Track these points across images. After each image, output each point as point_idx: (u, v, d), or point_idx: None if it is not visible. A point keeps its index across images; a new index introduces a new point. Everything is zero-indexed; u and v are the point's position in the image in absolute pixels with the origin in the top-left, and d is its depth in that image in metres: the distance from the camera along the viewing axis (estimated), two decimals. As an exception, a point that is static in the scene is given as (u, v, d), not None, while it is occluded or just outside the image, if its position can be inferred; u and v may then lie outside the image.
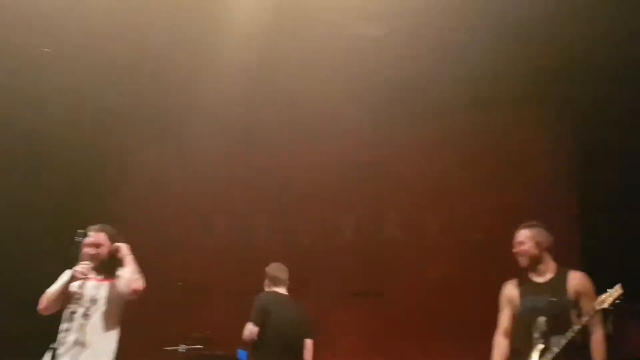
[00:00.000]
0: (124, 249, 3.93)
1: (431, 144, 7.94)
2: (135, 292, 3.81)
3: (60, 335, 3.69)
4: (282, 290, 5.41)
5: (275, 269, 5.48)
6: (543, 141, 7.67)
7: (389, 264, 7.84)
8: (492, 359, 4.13)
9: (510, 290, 4.17)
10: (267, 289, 5.46)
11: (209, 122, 7.90)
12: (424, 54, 6.51)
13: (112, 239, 3.98)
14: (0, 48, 6.38)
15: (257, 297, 5.22)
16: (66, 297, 3.79)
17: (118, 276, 3.89)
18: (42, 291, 3.87)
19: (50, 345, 3.64)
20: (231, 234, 8.71)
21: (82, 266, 3.74)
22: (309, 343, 5.40)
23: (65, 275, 3.84)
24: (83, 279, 3.72)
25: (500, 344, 4.10)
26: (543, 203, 7.00)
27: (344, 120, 7.80)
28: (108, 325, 3.79)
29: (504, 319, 4.14)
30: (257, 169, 8.50)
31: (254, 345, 5.13)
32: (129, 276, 3.80)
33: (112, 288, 3.87)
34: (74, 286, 3.79)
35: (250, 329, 5.02)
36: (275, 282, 5.42)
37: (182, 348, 6.42)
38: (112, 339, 3.82)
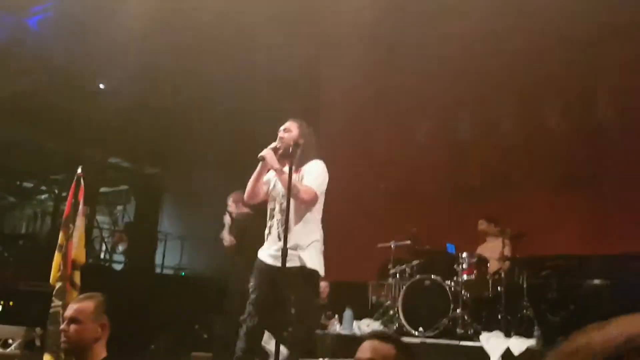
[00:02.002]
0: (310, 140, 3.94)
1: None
2: (302, 202, 3.84)
3: (265, 233, 3.95)
4: None
5: None
6: None
7: (604, 149, 7.25)
8: None
9: None
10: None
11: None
12: None
13: (303, 131, 3.97)
14: None
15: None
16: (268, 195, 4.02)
17: (302, 171, 3.93)
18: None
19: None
20: (432, 131, 8.67)
21: (265, 149, 3.84)
22: None
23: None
24: (262, 160, 3.83)
25: None
26: None
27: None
28: (304, 218, 3.87)
29: None
30: (451, 60, 8.19)
31: None
32: (301, 186, 3.84)
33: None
34: (271, 183, 3.96)
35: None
36: None
37: (392, 244, 6.77)
38: (310, 232, 3.89)
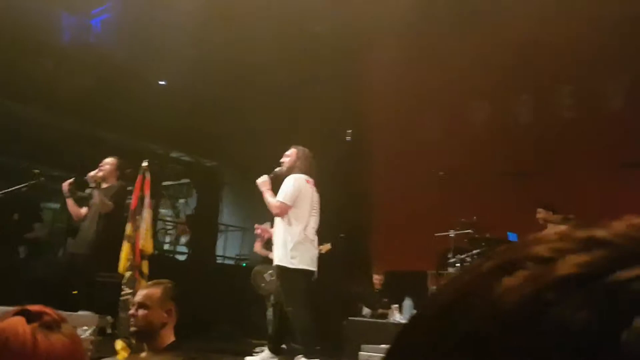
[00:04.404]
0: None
1: None
2: (274, 214, 4.94)
3: None
4: None
5: None
6: None
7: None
8: None
9: None
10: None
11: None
12: None
13: (299, 155, 5.12)
14: None
15: None
16: None
17: None
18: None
19: None
20: (487, 116, 8.52)
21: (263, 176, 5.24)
22: None
23: None
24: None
25: None
26: None
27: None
28: (283, 223, 4.80)
29: None
30: (505, 44, 7.97)
31: None
32: (271, 202, 4.82)
33: None
34: None
35: None
36: None
37: (452, 233, 6.70)
38: (283, 233, 4.74)
